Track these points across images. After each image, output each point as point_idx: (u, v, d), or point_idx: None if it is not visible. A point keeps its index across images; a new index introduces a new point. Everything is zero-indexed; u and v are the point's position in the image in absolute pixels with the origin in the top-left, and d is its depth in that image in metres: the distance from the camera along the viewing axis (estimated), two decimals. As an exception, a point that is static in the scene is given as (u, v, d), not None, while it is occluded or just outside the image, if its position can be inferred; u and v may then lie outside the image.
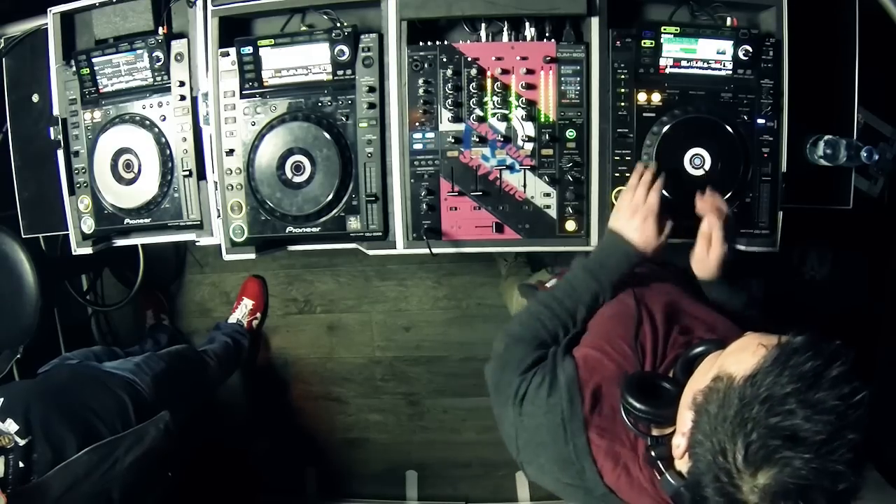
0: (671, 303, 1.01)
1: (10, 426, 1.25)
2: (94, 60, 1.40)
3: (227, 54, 1.30)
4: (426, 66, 1.26)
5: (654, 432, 0.82)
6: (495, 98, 1.25)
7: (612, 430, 0.86)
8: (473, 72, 1.25)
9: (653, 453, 0.81)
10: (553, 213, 1.28)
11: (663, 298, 1.01)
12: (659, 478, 0.80)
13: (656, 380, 0.86)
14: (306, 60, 1.29)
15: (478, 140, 1.26)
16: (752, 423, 0.64)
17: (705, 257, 1.07)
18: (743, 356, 0.72)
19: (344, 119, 1.29)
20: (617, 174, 1.26)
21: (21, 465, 1.23)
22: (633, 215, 1.07)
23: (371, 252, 1.34)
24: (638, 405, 0.81)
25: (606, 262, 1.05)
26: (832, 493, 0.62)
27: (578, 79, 1.25)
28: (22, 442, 1.24)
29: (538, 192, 1.27)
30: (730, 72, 1.25)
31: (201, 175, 1.39)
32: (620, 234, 1.07)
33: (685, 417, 0.75)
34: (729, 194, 1.23)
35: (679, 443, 0.76)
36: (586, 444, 0.85)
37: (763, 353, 0.69)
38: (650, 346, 0.93)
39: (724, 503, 0.67)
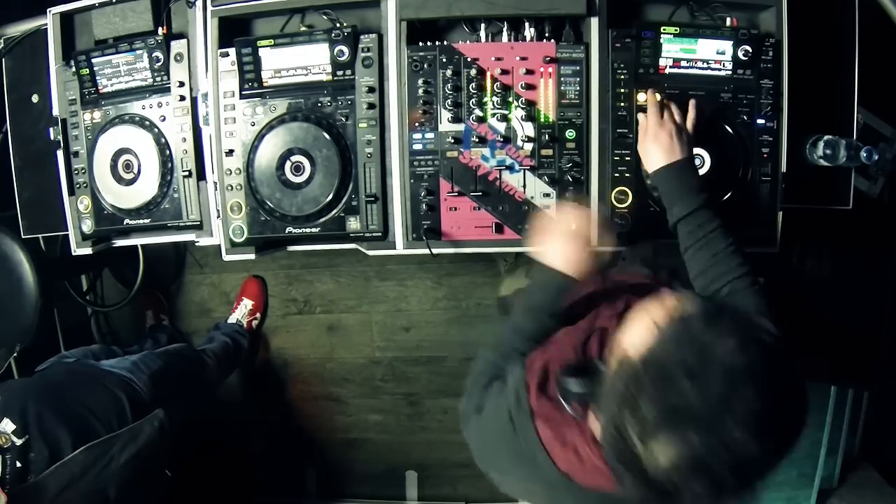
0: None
1: (7, 425, 1.25)
2: (93, 61, 1.40)
3: (227, 55, 1.30)
4: (426, 66, 1.26)
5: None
6: (495, 98, 1.25)
7: (559, 416, 0.87)
8: (473, 72, 1.25)
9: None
10: (553, 213, 1.28)
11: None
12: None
13: (592, 362, 0.87)
14: (306, 61, 1.28)
15: (477, 140, 1.26)
16: (644, 398, 0.65)
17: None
18: (637, 331, 0.73)
19: (344, 119, 1.29)
20: (617, 174, 1.26)
21: (18, 464, 1.23)
22: (559, 248, 1.04)
23: (371, 252, 1.34)
24: (570, 386, 0.83)
25: (540, 300, 1.03)
26: (734, 463, 0.62)
27: (578, 79, 1.25)
28: (19, 441, 1.24)
29: (538, 192, 1.27)
30: (729, 72, 1.25)
31: (201, 175, 1.39)
32: (549, 268, 1.03)
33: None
34: (729, 194, 1.24)
35: (596, 423, 0.78)
36: (535, 434, 0.86)
37: (655, 326, 0.70)
38: (596, 354, 0.93)
39: (630, 473, 0.68)
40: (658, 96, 1.18)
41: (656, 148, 1.10)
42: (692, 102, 1.17)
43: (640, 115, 1.19)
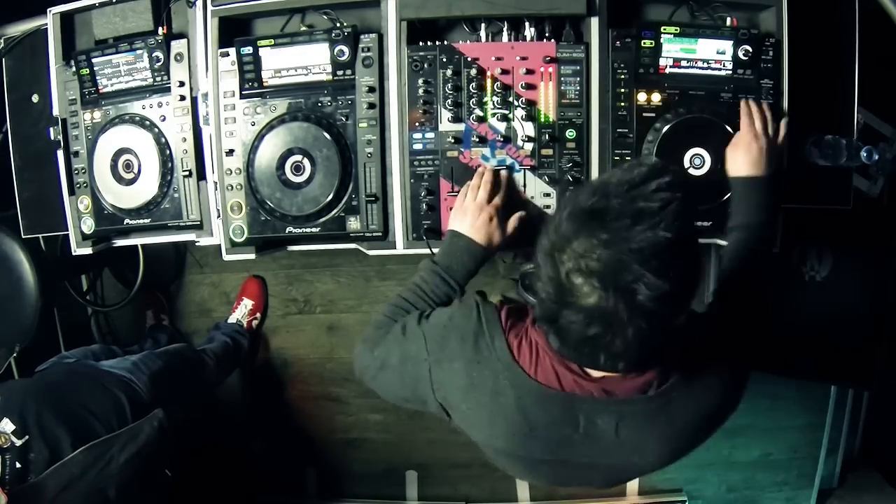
0: None
1: (7, 426, 1.25)
2: (93, 61, 1.40)
3: (227, 54, 1.30)
4: (426, 66, 1.26)
5: None
6: (495, 98, 1.25)
7: (518, 318, 0.96)
8: (473, 72, 1.25)
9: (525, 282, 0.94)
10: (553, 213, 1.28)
11: None
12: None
13: None
14: (306, 60, 1.28)
15: (478, 140, 1.26)
16: (575, 204, 0.75)
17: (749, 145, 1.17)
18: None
19: (344, 119, 1.29)
20: (617, 174, 1.26)
21: (18, 465, 1.23)
22: (465, 215, 1.15)
23: (371, 252, 1.34)
24: (527, 266, 0.96)
25: (451, 263, 1.11)
26: (623, 276, 0.69)
27: (578, 79, 1.25)
28: (19, 442, 1.24)
29: (538, 192, 1.27)
30: (730, 72, 1.25)
31: (201, 175, 1.39)
32: (460, 234, 1.12)
33: None
34: (729, 194, 1.23)
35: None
36: (497, 317, 0.95)
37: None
38: None
39: (547, 272, 0.75)
40: (756, 105, 1.21)
41: (745, 157, 1.16)
42: (783, 122, 1.22)
43: (743, 104, 1.21)
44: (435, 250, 1.28)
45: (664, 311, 0.72)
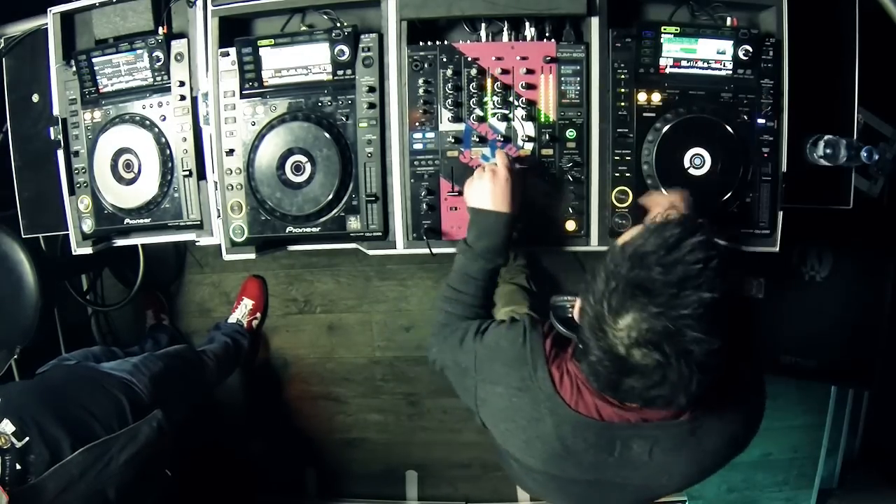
0: None
1: (7, 427, 1.24)
2: (94, 60, 1.40)
3: (227, 54, 1.30)
4: (426, 66, 1.26)
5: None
6: (495, 98, 1.25)
7: (561, 346, 0.99)
8: (473, 72, 1.25)
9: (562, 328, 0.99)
10: (553, 212, 1.28)
11: None
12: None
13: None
14: (306, 60, 1.28)
15: (478, 140, 1.26)
16: (618, 277, 0.77)
17: None
18: (631, 231, 0.86)
19: (344, 119, 1.29)
20: (617, 174, 1.26)
21: (18, 466, 1.23)
22: (482, 190, 1.13)
23: (371, 252, 1.34)
24: (557, 302, 1.02)
25: (490, 242, 1.12)
26: (680, 344, 0.73)
27: (578, 79, 1.25)
28: (19, 444, 1.24)
29: (538, 192, 1.27)
30: (730, 72, 1.25)
31: (201, 175, 1.39)
32: (486, 211, 1.12)
33: None
34: (729, 194, 1.24)
35: (577, 308, 0.89)
36: (542, 346, 0.97)
37: (641, 227, 0.83)
38: None
39: (597, 347, 0.79)
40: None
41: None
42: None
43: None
44: (436, 251, 1.28)
45: (718, 361, 0.76)
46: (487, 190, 1.12)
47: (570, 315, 1.02)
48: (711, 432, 0.93)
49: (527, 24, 1.28)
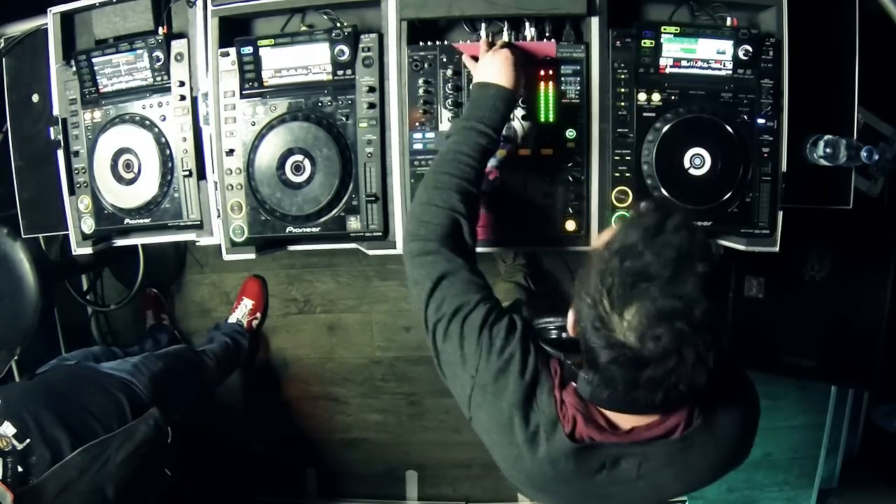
0: None
1: (8, 429, 1.24)
2: (94, 60, 1.40)
3: (227, 54, 1.30)
4: (426, 66, 1.26)
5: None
6: (495, 98, 1.25)
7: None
8: (473, 72, 1.25)
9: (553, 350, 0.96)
10: (553, 212, 1.28)
11: None
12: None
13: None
14: (306, 60, 1.29)
15: (478, 140, 1.26)
16: (611, 272, 0.76)
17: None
18: (603, 235, 0.86)
19: (344, 119, 1.29)
20: (617, 174, 1.26)
21: (19, 468, 1.23)
22: (491, 65, 1.11)
23: (371, 252, 1.34)
24: (538, 321, 1.00)
25: (485, 113, 1.07)
26: (691, 317, 0.72)
27: (578, 79, 1.25)
28: (20, 446, 1.24)
29: (538, 192, 1.27)
30: (730, 72, 1.25)
31: (201, 175, 1.40)
32: (487, 83, 1.10)
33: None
34: (729, 194, 1.24)
35: (570, 320, 0.87)
36: (549, 368, 0.94)
37: (611, 230, 0.83)
38: None
39: (607, 348, 0.76)
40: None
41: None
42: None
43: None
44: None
45: (726, 326, 0.77)
46: (489, 63, 1.11)
47: (553, 336, 1.00)
48: (703, 453, 0.91)
49: (527, 24, 1.27)
